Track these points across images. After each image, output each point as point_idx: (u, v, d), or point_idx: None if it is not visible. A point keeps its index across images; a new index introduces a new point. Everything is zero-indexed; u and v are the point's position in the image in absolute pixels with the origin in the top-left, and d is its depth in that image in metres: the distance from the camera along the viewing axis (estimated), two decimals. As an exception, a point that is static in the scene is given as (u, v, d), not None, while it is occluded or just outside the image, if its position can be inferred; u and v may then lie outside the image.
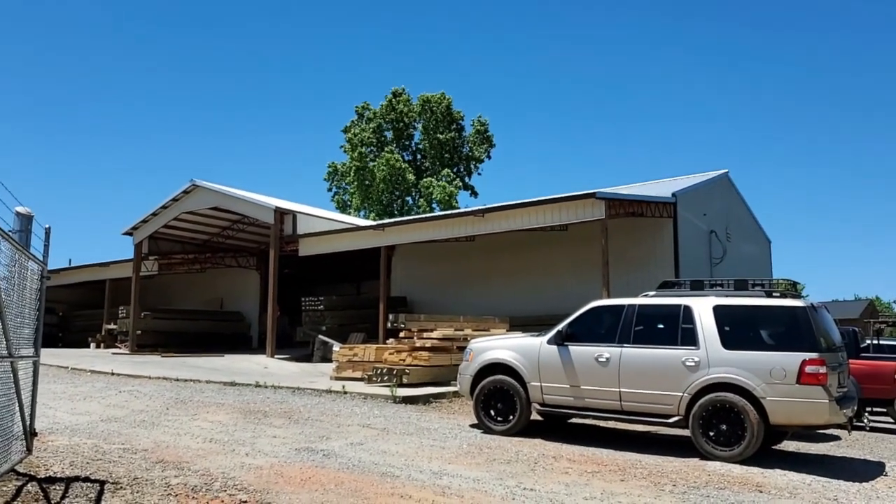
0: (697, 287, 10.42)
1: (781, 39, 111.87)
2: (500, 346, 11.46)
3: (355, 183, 48.72)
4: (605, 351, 10.15)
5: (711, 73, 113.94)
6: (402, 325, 17.09)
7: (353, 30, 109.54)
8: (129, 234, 29.64)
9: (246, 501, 6.39)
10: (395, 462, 8.37)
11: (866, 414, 13.96)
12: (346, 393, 14.44)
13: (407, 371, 15.51)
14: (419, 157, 52.42)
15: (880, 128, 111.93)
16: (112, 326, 31.64)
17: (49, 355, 22.39)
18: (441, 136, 50.41)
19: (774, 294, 9.72)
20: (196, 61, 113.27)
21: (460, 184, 50.06)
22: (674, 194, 21.26)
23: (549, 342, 10.69)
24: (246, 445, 9.04)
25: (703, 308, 9.74)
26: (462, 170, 52.04)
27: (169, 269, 33.30)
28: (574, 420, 11.92)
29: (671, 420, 9.64)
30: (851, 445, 11.76)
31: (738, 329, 9.53)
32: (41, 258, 6.93)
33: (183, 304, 34.75)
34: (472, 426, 11.36)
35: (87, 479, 6.73)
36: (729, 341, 9.38)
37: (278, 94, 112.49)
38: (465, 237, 22.83)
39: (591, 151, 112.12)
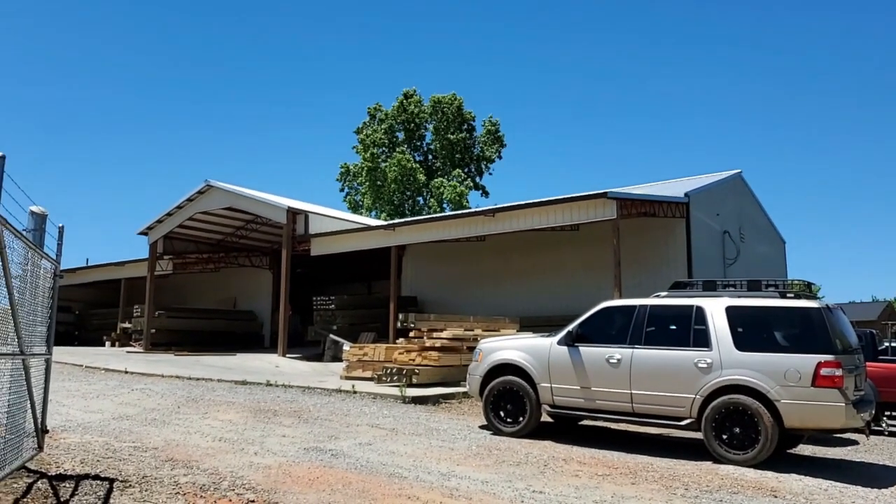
0: (710, 287, 10.31)
1: (798, 36, 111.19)
2: (509, 346, 11.41)
3: (367, 183, 48.86)
4: (616, 352, 10.08)
5: (726, 71, 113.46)
6: (412, 325, 17.07)
7: (364, 31, 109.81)
8: (144, 233, 29.86)
9: (253, 501, 6.39)
10: (403, 463, 8.35)
11: (885, 418, 13.77)
12: (355, 392, 14.44)
13: (416, 371, 15.49)
14: (430, 157, 52.49)
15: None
16: (127, 325, 31.86)
17: (64, 353, 22.61)
18: (452, 137, 50.47)
19: (788, 295, 9.60)
20: (210, 63, 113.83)
21: (471, 184, 50.10)
22: (686, 194, 21.14)
23: (560, 343, 10.62)
24: (255, 444, 9.05)
25: (715, 309, 9.65)
26: (473, 170, 52.10)
27: (183, 269, 33.50)
28: (585, 422, 11.85)
29: (683, 423, 9.54)
30: (870, 450, 11.57)
31: (751, 330, 9.41)
32: (55, 257, 6.95)
33: (197, 303, 34.89)
34: (482, 427, 11.32)
35: (96, 477, 6.75)
36: (742, 343, 9.28)
37: (291, 95, 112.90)
38: (476, 237, 22.81)
39: (603, 151, 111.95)
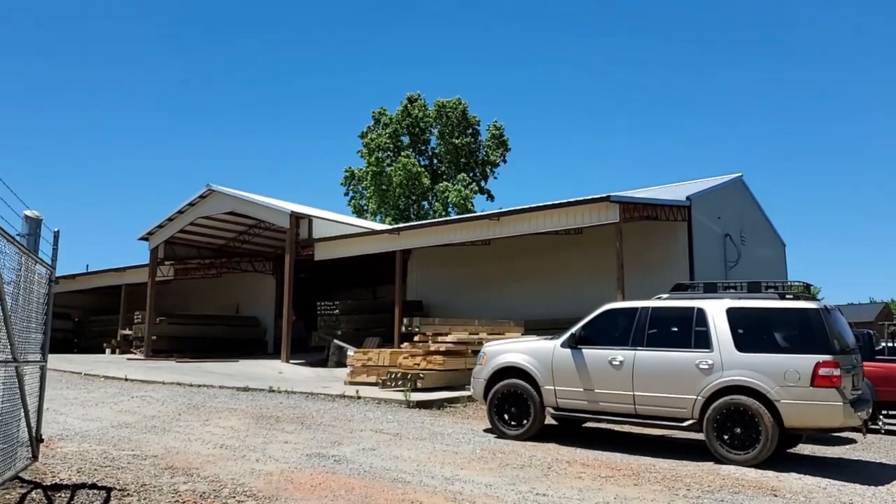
0: (711, 289, 10.34)
1: (797, 39, 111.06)
2: (513, 349, 11.37)
3: (372, 188, 48.87)
4: (619, 354, 10.05)
5: (728, 75, 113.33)
6: (417, 329, 17.03)
7: (369, 36, 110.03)
8: (144, 239, 29.78)
9: (254, 507, 6.35)
10: (406, 467, 8.31)
11: (881, 417, 13.78)
12: (359, 398, 14.39)
13: (421, 375, 15.43)
14: (435, 161, 52.55)
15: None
16: (127, 332, 31.76)
17: (63, 361, 22.57)
18: (457, 141, 50.55)
19: (787, 296, 9.63)
20: (213, 67, 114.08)
21: (476, 188, 50.13)
22: (688, 198, 21.15)
23: (563, 345, 10.60)
24: (257, 451, 9.01)
25: (716, 310, 9.63)
26: (478, 174, 52.18)
27: (185, 275, 33.43)
28: (588, 424, 11.80)
29: (685, 423, 9.52)
30: (867, 448, 11.59)
31: (751, 331, 9.41)
32: (50, 262, 6.92)
33: (199, 309, 34.87)
34: (486, 431, 11.27)
35: (93, 486, 6.71)
36: (742, 344, 9.28)
37: (296, 100, 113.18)
38: (481, 241, 22.80)
39: (607, 155, 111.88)
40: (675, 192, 23.79)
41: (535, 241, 22.65)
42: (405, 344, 17.71)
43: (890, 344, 18.35)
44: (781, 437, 9.08)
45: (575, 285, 22.75)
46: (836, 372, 8.68)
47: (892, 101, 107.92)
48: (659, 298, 10.54)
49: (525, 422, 10.72)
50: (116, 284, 34.69)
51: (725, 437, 9.16)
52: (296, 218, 25.46)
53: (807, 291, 10.04)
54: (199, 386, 16.48)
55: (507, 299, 24.46)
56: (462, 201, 46.51)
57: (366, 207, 50.58)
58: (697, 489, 7.71)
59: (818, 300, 9.76)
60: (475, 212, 42.79)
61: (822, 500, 7.51)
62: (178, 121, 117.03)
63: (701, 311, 9.73)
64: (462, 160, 51.14)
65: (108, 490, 6.60)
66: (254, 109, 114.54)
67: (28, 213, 6.49)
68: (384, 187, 48.24)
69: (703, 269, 20.77)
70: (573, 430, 11.68)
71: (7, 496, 6.04)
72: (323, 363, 23.68)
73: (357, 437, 10.36)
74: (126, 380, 18.11)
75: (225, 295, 35.60)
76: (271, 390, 15.53)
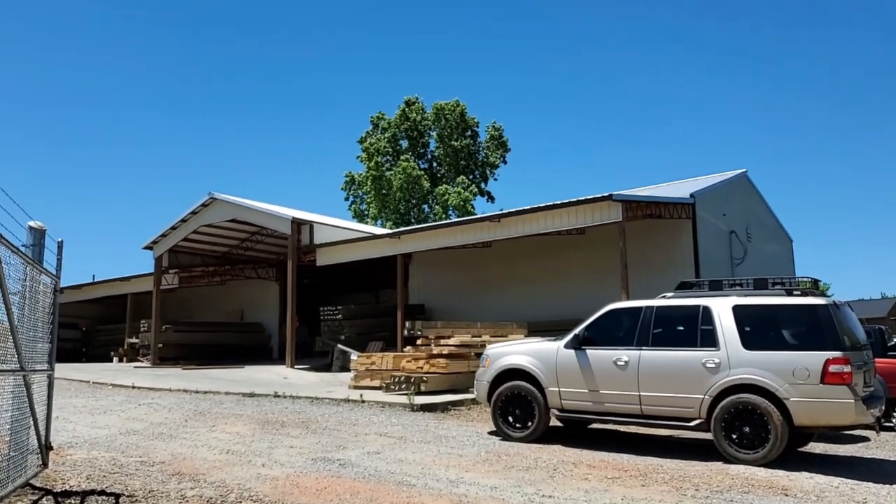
0: (716, 287, 10.25)
1: (799, 35, 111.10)
2: (516, 351, 11.35)
3: (372, 192, 48.90)
4: (624, 354, 10.01)
5: (728, 71, 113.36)
6: (420, 333, 17.03)
7: (365, 40, 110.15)
8: (149, 248, 29.92)
9: (261, 512, 6.35)
10: (411, 471, 8.30)
11: (895, 414, 13.66)
12: (363, 402, 14.40)
13: (424, 379, 15.43)
14: (435, 164, 52.59)
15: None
16: (134, 340, 31.93)
17: (71, 370, 22.64)
18: (456, 144, 50.59)
19: (795, 293, 9.54)
20: (212, 76, 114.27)
21: (476, 190, 50.13)
22: (692, 195, 21.10)
23: (567, 346, 10.56)
24: (263, 456, 9.01)
25: (722, 308, 9.58)
26: (478, 176, 52.19)
27: (189, 282, 33.55)
28: (594, 425, 11.77)
29: (692, 423, 9.46)
30: (881, 446, 11.48)
31: (758, 329, 9.34)
32: (54, 272, 6.94)
33: (204, 316, 34.94)
34: (491, 433, 11.25)
35: (102, 493, 6.72)
36: (749, 342, 9.21)
37: (294, 105, 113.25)
38: (482, 243, 22.81)
39: (608, 154, 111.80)
40: (678, 189, 23.76)
41: (537, 242, 22.64)
42: (408, 348, 17.71)
43: None
44: (791, 435, 9.01)
45: (578, 286, 22.72)
46: (847, 368, 8.59)
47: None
48: (664, 297, 10.50)
49: (530, 424, 10.69)
50: (122, 294, 34.88)
51: (734, 436, 9.09)
52: (297, 224, 25.50)
53: (815, 287, 9.95)
54: (206, 392, 16.51)
55: (510, 301, 24.44)
56: (462, 204, 46.52)
57: (366, 212, 50.64)
58: (706, 489, 7.67)
59: (827, 296, 9.70)
60: (476, 214, 42.79)
61: (834, 499, 7.45)
62: (178, 128, 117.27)
63: (707, 310, 9.68)
64: (462, 162, 51.17)
65: (117, 496, 6.61)
66: (254, 116, 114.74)
67: (32, 223, 6.52)
68: (384, 192, 48.29)
69: (709, 267, 20.72)
70: (578, 432, 11.64)
71: (19, 503, 6.05)
72: (327, 368, 23.69)
73: (362, 440, 10.36)
74: (133, 387, 18.16)
75: (229, 302, 35.68)
76: (276, 395, 15.55)
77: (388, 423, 12.03)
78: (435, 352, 16.13)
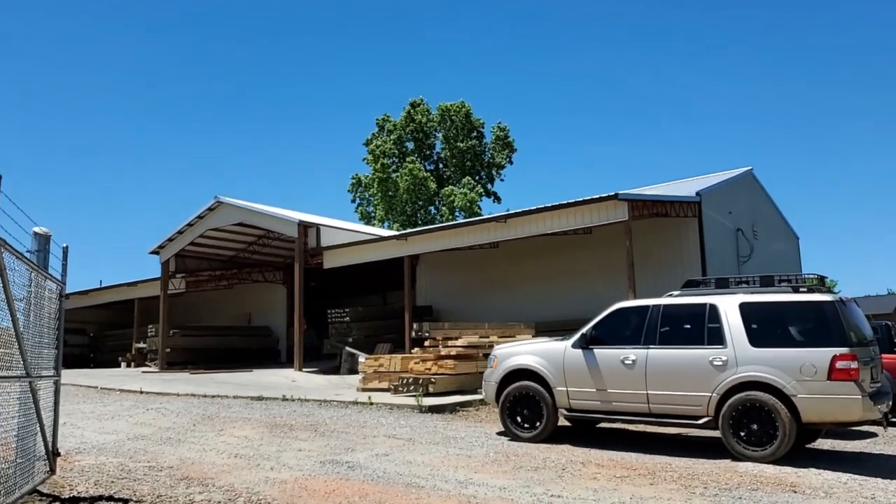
0: (722, 285, 10.24)
1: (806, 31, 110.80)
2: (524, 351, 11.34)
3: (379, 194, 48.96)
4: (631, 353, 10.00)
5: (733, 69, 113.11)
6: (427, 334, 17.05)
7: (369, 42, 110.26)
8: (155, 252, 29.98)
9: (269, 516, 6.35)
10: (420, 472, 8.29)
11: None
12: (372, 404, 14.41)
13: (433, 380, 15.44)
14: (441, 166, 52.62)
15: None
16: (142, 345, 31.98)
17: (79, 375, 22.72)
18: (461, 145, 50.64)
19: (801, 289, 9.55)
20: (217, 80, 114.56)
21: (482, 190, 50.15)
22: (698, 193, 21.06)
23: (574, 346, 10.55)
24: (271, 460, 9.02)
25: (728, 306, 9.57)
26: (484, 177, 52.21)
27: (196, 287, 33.58)
28: (602, 425, 11.76)
29: (700, 421, 9.45)
30: (889, 442, 11.45)
31: (765, 326, 9.33)
32: (60, 278, 6.96)
33: (211, 320, 35.00)
34: (499, 434, 11.24)
35: (110, 499, 6.73)
36: (756, 339, 9.20)
37: (300, 109, 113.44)
38: (489, 244, 22.80)
39: (614, 153, 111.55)
40: (684, 188, 23.70)
41: (544, 242, 22.61)
42: (416, 349, 17.73)
43: None
44: (799, 432, 9.01)
45: (585, 285, 22.69)
46: (854, 364, 8.58)
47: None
48: (670, 296, 10.48)
49: (538, 424, 10.68)
50: (129, 299, 34.93)
51: (742, 433, 9.08)
52: (304, 227, 25.53)
53: (821, 284, 9.96)
54: (214, 396, 16.55)
55: (517, 301, 24.43)
56: (468, 205, 46.53)
57: (373, 214, 50.71)
58: (715, 487, 7.65)
59: (833, 293, 9.68)
60: (482, 215, 42.79)
61: (842, 495, 7.43)
62: (184, 133, 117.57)
63: (713, 307, 9.67)
64: (467, 163, 51.20)
65: (125, 502, 6.62)
66: (259, 120, 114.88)
67: (37, 229, 6.54)
68: (391, 193, 48.33)
69: (716, 265, 20.68)
70: (587, 431, 11.63)
71: (26, 510, 6.08)
72: (335, 370, 23.72)
73: (370, 442, 10.36)
74: (141, 392, 18.21)
75: (237, 305, 35.75)
76: (284, 399, 15.57)
77: (397, 425, 12.03)
78: (443, 353, 16.14)
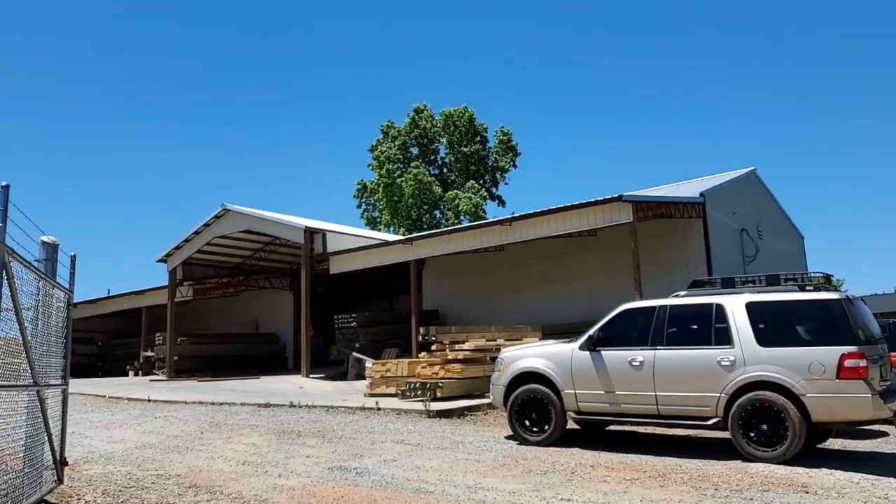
0: (728, 285, 10.19)
1: (809, 28, 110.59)
2: (531, 354, 11.30)
3: (384, 199, 49.06)
4: (639, 354, 9.96)
5: (736, 68, 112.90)
6: (434, 338, 17.01)
7: (372, 48, 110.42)
8: (163, 261, 30.05)
9: (278, 522, 6.33)
10: (428, 477, 8.27)
11: None
12: (379, 409, 14.39)
13: (440, 384, 15.40)
14: (445, 170, 52.74)
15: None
16: (149, 353, 32.02)
17: (88, 384, 22.76)
18: (465, 149, 50.76)
19: (808, 288, 9.49)
20: (223, 88, 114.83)
21: (486, 194, 50.23)
22: (702, 194, 21.04)
23: (581, 348, 10.52)
24: (279, 466, 9.01)
25: (735, 306, 9.53)
26: (488, 180, 52.31)
27: (203, 294, 33.64)
28: (612, 427, 11.71)
29: (710, 422, 9.40)
30: (900, 441, 11.37)
31: (772, 325, 9.28)
32: (67, 286, 6.97)
33: (219, 328, 35.03)
34: (508, 438, 11.22)
35: (118, 507, 6.73)
36: (764, 338, 9.15)
37: (304, 116, 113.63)
38: (494, 247, 22.76)
39: (618, 154, 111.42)
40: (688, 188, 23.70)
41: (549, 244, 22.60)
42: (423, 354, 17.71)
43: None
44: (810, 432, 8.94)
45: (591, 287, 22.67)
46: (863, 363, 8.52)
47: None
48: (676, 296, 10.44)
49: (546, 427, 10.65)
50: (137, 307, 35.02)
51: (752, 434, 9.03)
52: (310, 233, 25.54)
53: (828, 282, 9.90)
54: (221, 404, 16.55)
55: (523, 304, 24.42)
56: (473, 209, 46.61)
57: (379, 219, 50.83)
58: (725, 488, 7.61)
59: (840, 291, 9.63)
60: (487, 218, 42.81)
61: (855, 495, 7.37)
62: (190, 141, 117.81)
63: (720, 307, 9.63)
64: (472, 168, 51.33)
65: (133, 511, 6.62)
66: (265, 127, 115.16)
67: (44, 238, 6.55)
68: (396, 199, 48.44)
69: (721, 266, 20.63)
70: (596, 434, 11.60)
71: (33, 519, 6.07)
72: (343, 376, 23.70)
73: (378, 448, 10.34)
74: (149, 401, 18.23)
75: (244, 312, 35.77)
76: (292, 405, 15.57)
77: (405, 430, 12.01)
78: (450, 357, 16.11)
